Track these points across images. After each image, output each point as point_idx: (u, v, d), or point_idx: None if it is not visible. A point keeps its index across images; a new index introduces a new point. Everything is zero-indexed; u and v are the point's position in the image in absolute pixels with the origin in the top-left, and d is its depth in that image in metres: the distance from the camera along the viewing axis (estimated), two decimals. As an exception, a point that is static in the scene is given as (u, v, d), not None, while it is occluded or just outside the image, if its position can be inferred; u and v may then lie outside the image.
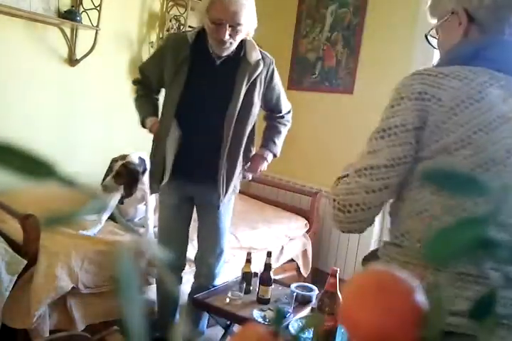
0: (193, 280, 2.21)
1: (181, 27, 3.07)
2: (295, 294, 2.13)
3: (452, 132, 0.84)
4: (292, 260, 3.04)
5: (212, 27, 1.79)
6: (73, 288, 1.97)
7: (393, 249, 0.93)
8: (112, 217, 2.35)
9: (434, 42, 1.05)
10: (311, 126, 3.40)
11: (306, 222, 3.10)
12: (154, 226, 2.36)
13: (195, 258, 2.18)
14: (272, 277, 2.15)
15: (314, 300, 2.15)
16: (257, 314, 2.02)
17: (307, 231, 3.11)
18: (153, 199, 2.36)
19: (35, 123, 2.64)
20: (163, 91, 2.03)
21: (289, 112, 2.19)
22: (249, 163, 2.10)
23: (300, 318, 1.99)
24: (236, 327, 2.21)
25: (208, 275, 2.15)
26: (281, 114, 2.15)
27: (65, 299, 1.98)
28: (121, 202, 2.38)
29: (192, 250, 2.20)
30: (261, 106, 2.05)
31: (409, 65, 2.79)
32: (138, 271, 2.21)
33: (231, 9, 1.74)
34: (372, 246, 2.90)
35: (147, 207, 2.35)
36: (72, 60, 2.72)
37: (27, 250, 1.90)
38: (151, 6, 3.03)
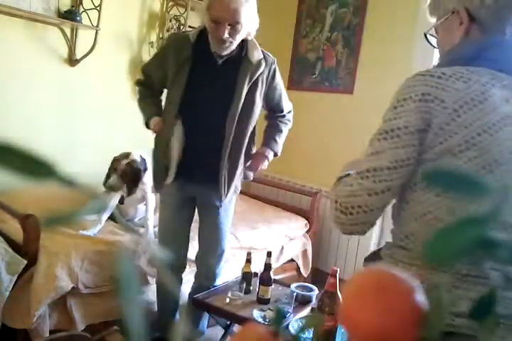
0: (193, 280, 2.21)
1: (181, 27, 3.07)
2: (295, 294, 2.13)
3: (456, 134, 0.83)
4: (292, 260, 3.04)
5: (212, 26, 1.79)
6: (73, 288, 1.97)
7: (398, 251, 0.92)
8: (112, 217, 2.35)
9: (434, 41, 1.05)
10: (311, 126, 3.40)
11: (306, 222, 3.10)
12: (154, 227, 2.36)
13: (196, 258, 2.18)
14: (272, 277, 2.15)
15: (314, 300, 2.15)
16: (257, 314, 2.02)
17: (307, 231, 3.11)
18: (153, 199, 2.36)
19: (35, 123, 2.63)
20: (165, 92, 2.02)
21: (290, 112, 2.19)
22: (249, 161, 2.10)
23: (300, 318, 1.99)
24: (236, 327, 2.21)
25: (209, 276, 2.15)
26: (282, 114, 2.15)
27: (65, 299, 1.98)
28: (121, 202, 2.38)
29: (192, 250, 2.20)
30: (262, 106, 2.05)
31: (409, 65, 2.79)
32: (138, 271, 2.20)
33: (230, 8, 1.74)
34: (373, 247, 2.90)
35: (147, 207, 2.35)
36: (72, 60, 2.72)
37: (27, 250, 1.90)
38: (151, 6, 3.03)
